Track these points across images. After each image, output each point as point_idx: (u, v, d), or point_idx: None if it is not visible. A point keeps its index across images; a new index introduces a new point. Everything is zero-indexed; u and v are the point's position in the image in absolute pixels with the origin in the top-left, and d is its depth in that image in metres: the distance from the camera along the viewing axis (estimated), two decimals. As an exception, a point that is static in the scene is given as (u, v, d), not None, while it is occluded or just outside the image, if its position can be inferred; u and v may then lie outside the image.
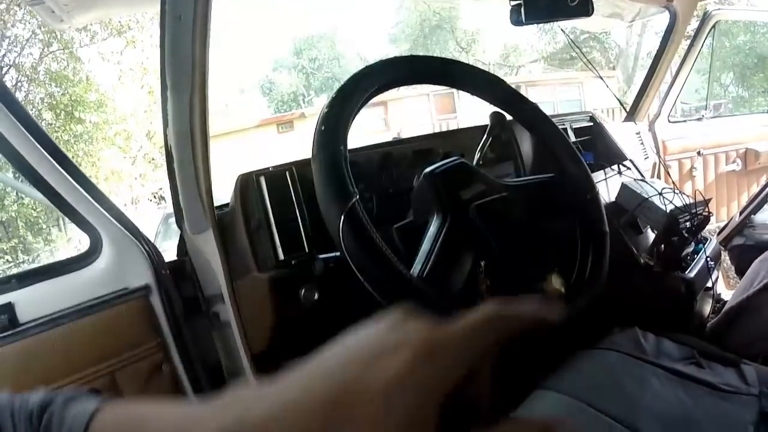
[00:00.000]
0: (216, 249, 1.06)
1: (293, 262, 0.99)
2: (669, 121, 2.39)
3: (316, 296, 1.00)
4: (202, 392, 1.15)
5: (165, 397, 1.08)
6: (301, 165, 1.05)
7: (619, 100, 2.17)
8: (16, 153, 0.98)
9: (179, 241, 1.14)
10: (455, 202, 0.83)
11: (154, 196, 9.15)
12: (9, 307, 1.00)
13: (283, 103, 19.97)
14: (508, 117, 1.12)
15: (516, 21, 1.52)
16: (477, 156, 1.07)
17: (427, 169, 0.88)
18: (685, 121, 2.52)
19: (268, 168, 1.04)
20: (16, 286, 1.03)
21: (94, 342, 1.03)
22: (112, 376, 1.04)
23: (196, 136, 0.97)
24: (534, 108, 1.07)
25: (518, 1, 1.47)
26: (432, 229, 0.79)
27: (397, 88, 0.94)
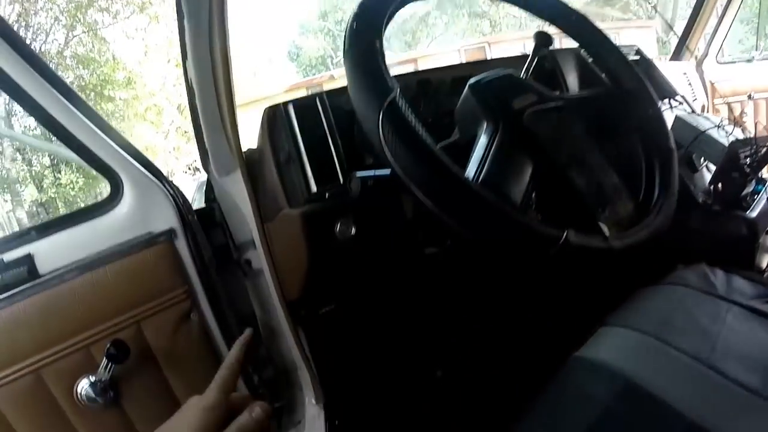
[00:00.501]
0: (245, 189, 0.99)
1: (327, 195, 0.91)
2: (717, 62, 2.23)
3: (353, 230, 0.93)
4: (233, 342, 1.09)
5: (196, 348, 1.04)
6: (332, 93, 0.97)
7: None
8: (29, 97, 0.91)
9: (206, 187, 1.08)
10: (507, 110, 0.74)
11: (189, 168, 9.24)
12: (28, 259, 0.95)
13: (312, 67, 20.00)
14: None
15: None
16: (522, 76, 0.97)
17: (473, 80, 0.79)
18: (734, 62, 2.35)
19: (297, 98, 0.96)
20: (35, 237, 0.98)
21: (118, 291, 0.97)
22: (138, 326, 0.99)
23: (218, 66, 0.89)
24: (583, 18, 0.97)
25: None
26: (483, 138, 0.71)
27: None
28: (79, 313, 0.95)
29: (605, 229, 0.72)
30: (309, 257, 0.97)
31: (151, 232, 1.00)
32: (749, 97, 2.28)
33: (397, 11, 0.76)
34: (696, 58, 2.15)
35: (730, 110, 2.22)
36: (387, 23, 0.72)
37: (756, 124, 1.34)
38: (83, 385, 0.96)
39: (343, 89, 0.97)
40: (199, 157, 1.05)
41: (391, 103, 0.60)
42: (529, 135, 0.73)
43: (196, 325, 1.04)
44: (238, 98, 0.97)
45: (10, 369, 0.92)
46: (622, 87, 0.94)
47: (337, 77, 13.32)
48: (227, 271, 1.12)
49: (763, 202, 1.39)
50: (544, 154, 0.72)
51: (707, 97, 2.13)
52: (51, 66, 0.95)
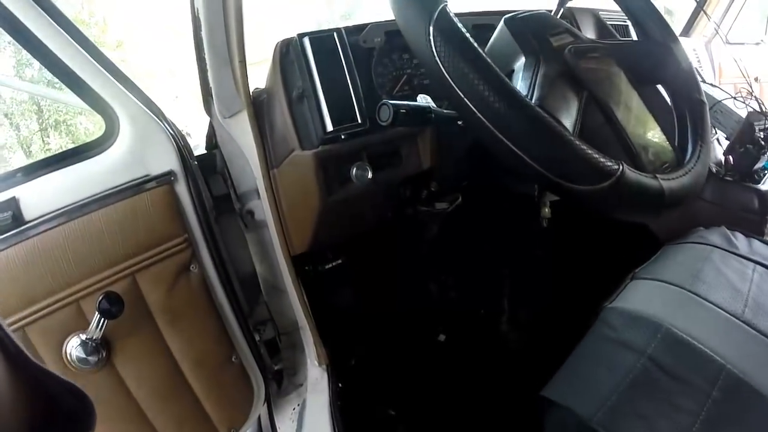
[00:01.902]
0: (251, 131, 0.94)
1: (343, 136, 0.87)
2: (726, 43, 2.24)
3: (370, 175, 0.89)
4: (235, 298, 1.05)
5: (195, 303, 1.00)
6: (350, 31, 0.93)
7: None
8: (18, 22, 0.84)
9: (208, 130, 1.03)
10: (546, 46, 0.72)
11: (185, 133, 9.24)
12: (13, 203, 0.87)
13: None
14: None
15: None
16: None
17: (507, 16, 0.76)
18: (743, 43, 2.36)
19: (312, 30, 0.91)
20: (21, 179, 0.90)
21: (112, 239, 0.91)
22: (133, 278, 0.93)
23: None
24: None
25: None
26: (524, 70, 0.68)
27: None
28: (69, 263, 0.88)
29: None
30: (320, 205, 0.93)
31: (149, 175, 0.94)
32: (756, 80, 2.30)
33: None
34: (705, 36, 2.16)
35: (738, 88, 2.23)
36: None
37: (770, 100, 1.35)
38: (73, 344, 0.88)
39: (361, 27, 0.94)
40: (201, 98, 1.00)
41: (442, 13, 0.56)
42: (572, 71, 0.70)
43: (196, 277, 0.99)
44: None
45: (-5, 321, 0.86)
46: (653, 39, 0.92)
47: None
48: (227, 223, 1.08)
49: (775, 176, 1.41)
50: (588, 91, 0.69)
51: (714, 76, 2.14)
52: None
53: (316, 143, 0.89)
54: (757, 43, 2.38)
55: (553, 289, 1.19)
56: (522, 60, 0.70)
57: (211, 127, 1.02)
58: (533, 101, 0.62)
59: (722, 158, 1.46)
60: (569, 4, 1.04)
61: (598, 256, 1.14)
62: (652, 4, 0.96)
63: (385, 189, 0.93)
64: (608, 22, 1.32)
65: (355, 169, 0.89)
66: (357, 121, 0.87)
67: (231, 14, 0.86)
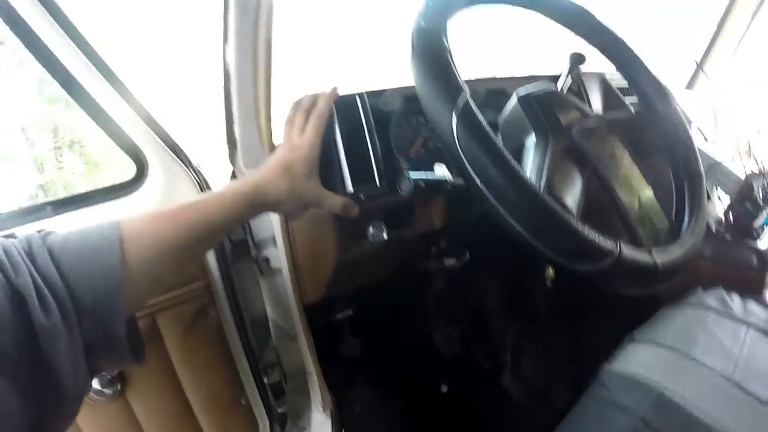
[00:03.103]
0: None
1: (362, 196, 0.97)
2: (729, 93, 2.37)
3: (385, 235, 0.99)
4: (248, 342, 1.14)
5: (209, 345, 1.08)
6: (372, 94, 1.04)
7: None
8: (57, 62, 0.93)
9: (231, 178, 1.12)
10: (556, 124, 0.82)
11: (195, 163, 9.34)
12: None
13: None
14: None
15: None
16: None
17: (521, 91, 0.87)
18: (746, 95, 2.50)
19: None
20: (51, 213, 0.99)
21: None
22: (153, 318, 1.02)
23: (260, 56, 0.95)
24: (619, 40, 1.06)
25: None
26: (535, 148, 0.78)
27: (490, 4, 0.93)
28: None
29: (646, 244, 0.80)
30: (335, 260, 1.02)
31: (175, 221, 1.04)
32: (758, 131, 2.43)
33: (461, 9, 0.84)
34: (710, 87, 2.28)
35: (740, 142, 2.36)
36: (450, 19, 0.80)
37: (770, 159, 1.47)
38: (90, 376, 0.99)
39: (381, 91, 1.05)
40: (227, 145, 1.09)
41: (465, 105, 0.67)
42: (577, 150, 0.80)
43: (213, 321, 1.08)
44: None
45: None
46: (656, 110, 1.03)
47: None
48: (242, 267, 1.17)
49: (773, 233, 1.51)
50: (592, 170, 0.80)
51: (717, 127, 2.26)
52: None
53: (336, 203, 0.98)
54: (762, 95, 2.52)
55: (555, 346, 1.28)
56: (533, 137, 0.80)
57: (234, 175, 1.12)
58: (542, 183, 0.73)
59: (722, 216, 1.57)
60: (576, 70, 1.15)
61: (599, 315, 1.24)
62: (654, 76, 1.07)
63: (397, 245, 1.03)
64: (613, 83, 1.44)
65: (371, 228, 0.99)
66: (375, 183, 0.97)
67: (261, 72, 0.97)
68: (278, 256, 1.10)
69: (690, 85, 2.24)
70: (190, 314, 1.05)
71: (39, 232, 0.58)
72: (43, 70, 0.95)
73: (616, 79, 1.45)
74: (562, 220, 0.66)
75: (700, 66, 2.17)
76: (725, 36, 2.11)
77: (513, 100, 0.87)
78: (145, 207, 1.03)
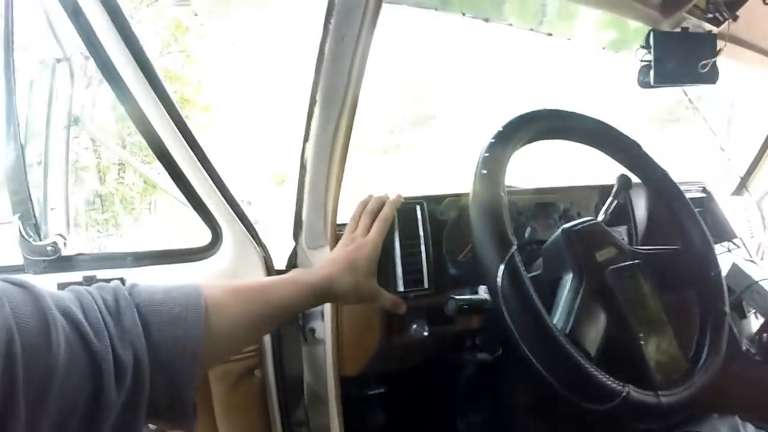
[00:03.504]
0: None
1: (411, 296, 1.10)
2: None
3: (426, 333, 1.11)
4: (285, 402, 1.26)
5: (251, 404, 1.21)
6: (431, 200, 1.17)
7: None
8: (157, 138, 1.10)
9: (291, 253, 1.26)
10: (591, 263, 0.93)
11: (242, 201, 9.69)
12: (120, 282, 1.13)
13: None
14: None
15: (642, 82, 1.62)
16: (601, 218, 1.16)
17: (566, 226, 0.98)
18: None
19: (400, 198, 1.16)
20: (131, 263, 1.16)
21: None
22: (205, 373, 1.16)
23: (336, 156, 1.09)
24: (665, 175, 1.16)
25: (648, 62, 1.57)
26: (569, 289, 0.90)
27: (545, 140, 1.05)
28: None
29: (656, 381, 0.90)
30: (377, 346, 1.14)
31: (239, 289, 1.19)
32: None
33: (520, 149, 0.97)
34: (756, 195, 2.33)
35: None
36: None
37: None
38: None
39: (440, 198, 1.17)
40: (293, 225, 1.24)
41: (511, 260, 0.80)
42: (607, 291, 0.91)
43: (258, 381, 1.21)
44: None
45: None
46: (692, 245, 1.12)
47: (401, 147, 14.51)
48: (287, 331, 1.30)
49: (805, 355, 1.55)
50: (617, 311, 0.91)
51: (766, 234, 2.29)
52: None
53: (386, 298, 1.11)
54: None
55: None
56: (570, 276, 0.92)
57: (294, 251, 1.26)
58: (569, 326, 0.84)
59: (755, 335, 1.61)
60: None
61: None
62: (695, 212, 1.16)
63: (435, 338, 1.14)
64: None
65: (414, 325, 1.11)
66: (424, 286, 1.10)
67: (334, 174, 1.11)
68: (324, 329, 1.22)
69: (737, 192, 2.29)
70: (238, 372, 1.19)
71: (122, 281, 0.65)
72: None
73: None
74: (577, 364, 0.78)
75: (745, 178, 2.22)
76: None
77: (558, 233, 0.98)
78: (216, 273, 1.18)
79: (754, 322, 1.66)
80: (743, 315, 1.64)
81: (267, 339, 1.21)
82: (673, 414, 0.88)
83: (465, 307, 0.92)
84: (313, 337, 1.27)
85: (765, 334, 1.56)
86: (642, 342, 0.91)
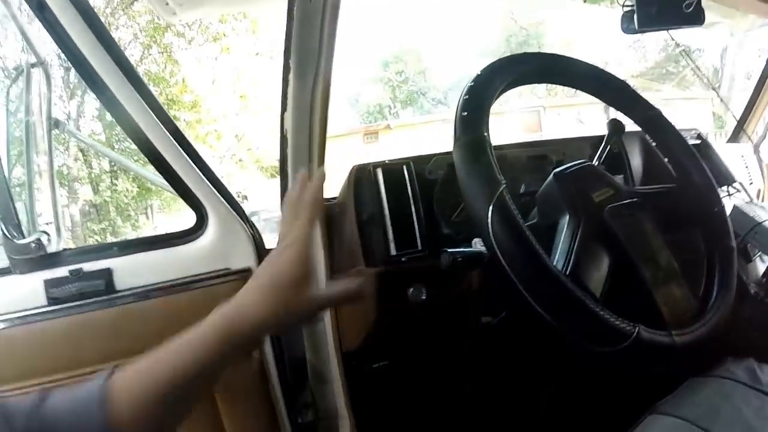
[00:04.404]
0: (320, 240, 1.12)
1: (404, 259, 1.04)
2: (768, 145, 2.36)
3: (424, 296, 1.06)
4: (287, 384, 1.21)
5: (253, 387, 1.16)
6: (418, 161, 1.11)
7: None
8: (133, 123, 1.06)
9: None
10: (589, 204, 0.88)
11: (238, 195, 9.69)
12: (107, 273, 1.09)
13: (369, 115, 21.01)
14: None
15: (627, 29, 1.56)
16: (595, 164, 1.10)
17: (557, 170, 0.93)
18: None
19: (384, 161, 1.11)
20: (117, 253, 1.13)
21: (189, 319, 1.06)
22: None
23: (315, 122, 1.04)
24: (659, 114, 1.10)
25: (631, 7, 1.51)
26: (567, 230, 0.84)
27: (529, 84, 0.99)
28: (148, 333, 1.04)
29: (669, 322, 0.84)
30: (375, 315, 1.10)
31: (229, 268, 1.14)
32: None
33: (501, 94, 0.91)
34: (753, 141, 2.27)
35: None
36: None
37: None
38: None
39: (427, 157, 1.12)
40: (280, 200, 1.18)
41: (500, 198, 0.74)
42: (608, 230, 0.86)
43: (256, 362, 1.16)
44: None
45: (74, 371, 1.06)
46: (691, 182, 1.06)
47: (394, 127, 14.51)
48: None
49: (814, 297, 1.50)
50: (620, 250, 0.85)
51: (764, 180, 2.24)
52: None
53: (380, 263, 1.07)
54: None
55: (588, 412, 1.31)
56: (566, 218, 0.86)
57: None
58: (569, 267, 0.78)
59: (762, 278, 1.56)
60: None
61: (626, 384, 1.26)
62: (692, 149, 1.11)
63: (436, 302, 1.09)
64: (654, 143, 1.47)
65: (411, 289, 1.06)
66: (417, 247, 1.05)
67: (315, 141, 1.06)
68: (322, 305, 1.17)
69: (733, 139, 2.23)
70: (237, 355, 1.14)
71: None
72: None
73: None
74: (581, 304, 0.72)
75: (740, 124, 2.16)
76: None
77: (550, 178, 0.92)
78: (203, 254, 1.13)
79: (760, 266, 1.60)
80: (749, 259, 1.58)
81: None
82: (687, 354, 0.82)
83: (459, 259, 0.86)
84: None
85: (772, 276, 1.51)
86: (648, 281, 0.85)
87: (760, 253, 1.59)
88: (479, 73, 0.89)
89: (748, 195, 1.74)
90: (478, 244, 0.93)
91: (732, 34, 2.25)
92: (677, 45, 1.93)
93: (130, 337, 1.07)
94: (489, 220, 0.73)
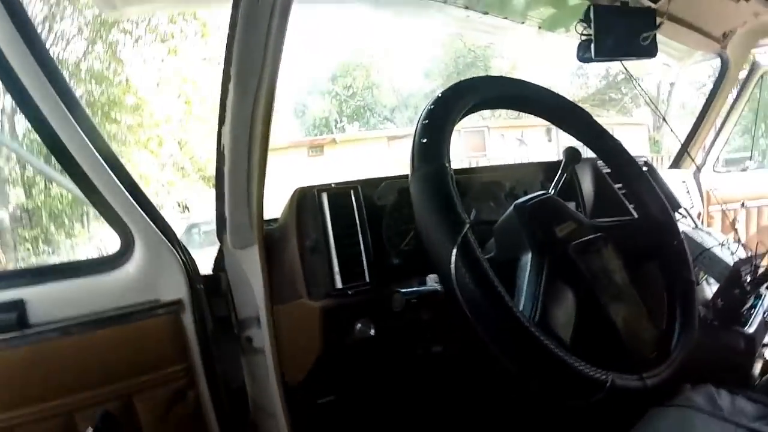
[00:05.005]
0: (259, 267, 1.01)
1: (350, 293, 0.94)
2: (714, 171, 2.42)
3: (372, 332, 0.96)
4: (226, 421, 1.09)
5: (186, 426, 1.03)
6: (366, 185, 1.02)
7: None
8: (51, 131, 0.91)
9: (217, 254, 1.09)
10: (552, 241, 0.81)
11: (179, 205, 9.24)
12: (19, 305, 0.92)
13: (315, 127, 20.70)
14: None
15: (583, 57, 1.56)
16: (551, 193, 1.04)
17: (517, 202, 0.85)
18: (729, 171, 2.56)
19: (330, 184, 1.01)
20: (31, 281, 0.96)
21: (113, 358, 0.97)
22: (129, 398, 0.98)
23: (255, 138, 0.93)
24: (618, 144, 1.06)
25: (589, 36, 1.50)
26: (531, 270, 0.77)
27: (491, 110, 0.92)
28: (67, 374, 0.93)
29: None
30: (319, 350, 1.00)
31: (158, 300, 1.00)
32: (742, 205, 2.47)
33: (462, 117, 0.82)
34: (695, 167, 2.32)
35: (725, 216, 2.39)
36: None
37: (757, 244, 1.47)
38: (62, 455, 0.93)
39: (376, 181, 1.03)
40: (215, 223, 1.06)
41: (464, 240, 0.65)
42: (573, 268, 0.79)
43: (191, 403, 1.04)
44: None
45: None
46: (649, 214, 1.02)
47: (339, 141, 14.23)
48: (224, 341, 1.13)
49: (760, 316, 1.51)
50: (586, 288, 0.78)
51: (703, 204, 2.29)
52: (65, 75, 0.93)
53: (323, 295, 0.96)
54: (743, 170, 2.59)
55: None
56: (529, 256, 0.78)
57: (221, 251, 1.09)
58: (537, 314, 0.70)
59: (710, 301, 1.55)
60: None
61: (585, 416, 1.21)
62: (652, 183, 1.07)
63: (383, 336, 1.00)
64: (604, 171, 1.43)
65: (359, 325, 0.97)
66: (365, 279, 0.96)
67: (255, 161, 0.95)
68: (262, 336, 1.07)
69: (675, 165, 2.27)
70: (168, 397, 1.02)
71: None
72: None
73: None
74: (556, 358, 0.64)
75: (684, 148, 2.20)
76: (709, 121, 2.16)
77: (510, 210, 0.85)
78: (128, 285, 1.00)
79: (707, 290, 1.61)
80: (696, 282, 1.58)
81: (197, 355, 1.03)
82: (656, 394, 0.77)
83: (413, 300, 0.77)
84: (251, 346, 1.11)
85: (719, 300, 1.51)
86: (616, 321, 0.79)
87: (706, 276, 1.60)
88: (439, 95, 0.81)
89: (693, 221, 1.76)
90: (432, 281, 0.84)
91: (676, 64, 2.30)
92: (630, 75, 1.93)
93: (47, 380, 0.92)
94: (452, 264, 0.64)
